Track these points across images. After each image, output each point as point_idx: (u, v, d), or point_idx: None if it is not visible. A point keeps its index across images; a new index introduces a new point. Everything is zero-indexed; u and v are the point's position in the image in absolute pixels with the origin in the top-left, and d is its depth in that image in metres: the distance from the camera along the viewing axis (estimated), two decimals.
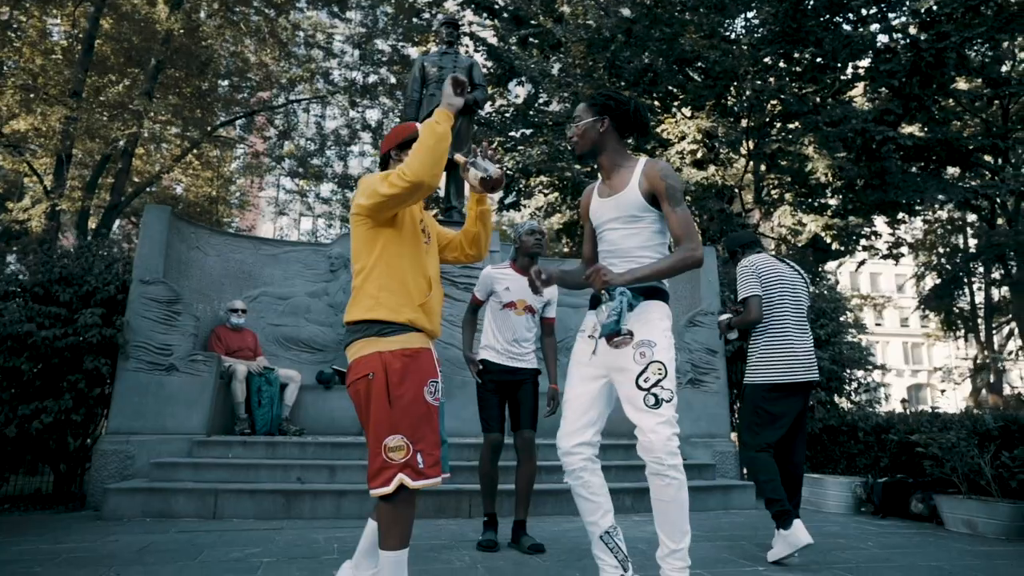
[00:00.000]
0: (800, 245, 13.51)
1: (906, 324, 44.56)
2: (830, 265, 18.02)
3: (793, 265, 4.05)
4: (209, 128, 16.32)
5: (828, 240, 12.02)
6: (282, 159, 17.26)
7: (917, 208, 14.19)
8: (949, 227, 23.83)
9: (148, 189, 17.09)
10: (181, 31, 13.97)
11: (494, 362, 3.79)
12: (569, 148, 13.65)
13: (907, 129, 12.72)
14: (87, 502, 5.19)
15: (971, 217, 22.91)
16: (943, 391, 33.89)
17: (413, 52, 17.22)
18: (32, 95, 13.21)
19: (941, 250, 24.50)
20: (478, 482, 3.89)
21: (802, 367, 3.81)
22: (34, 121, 13.28)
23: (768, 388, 3.84)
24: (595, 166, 13.27)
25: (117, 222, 17.29)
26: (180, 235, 6.46)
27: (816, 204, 12.96)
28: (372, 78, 17.54)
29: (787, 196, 12.40)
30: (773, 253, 4.24)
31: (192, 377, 5.73)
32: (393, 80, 17.44)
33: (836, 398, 7.97)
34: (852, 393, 8.28)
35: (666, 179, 2.49)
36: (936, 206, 16.27)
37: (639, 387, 2.34)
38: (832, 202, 13.41)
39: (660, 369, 2.34)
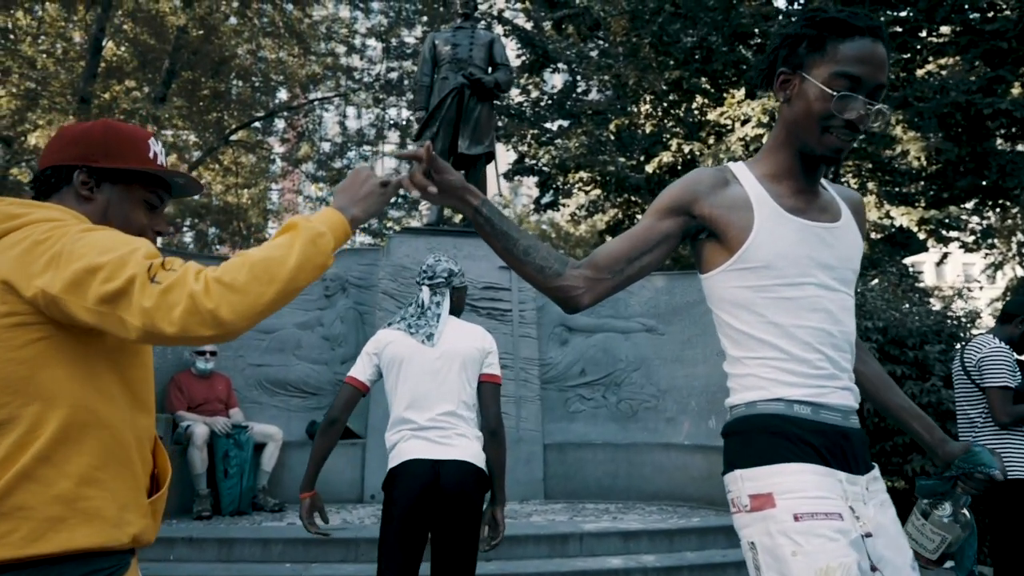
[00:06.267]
0: (878, 239, 11.69)
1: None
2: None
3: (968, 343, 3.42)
4: (227, 132, 15.31)
5: (923, 236, 10.19)
6: (299, 162, 16.10)
7: (1016, 193, 12.27)
8: None
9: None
10: (194, 28, 12.97)
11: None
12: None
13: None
14: None
15: None
16: None
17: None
18: (35, 103, 12.40)
19: (1021, 237, 22.43)
20: None
21: None
22: (49, 133, 12.45)
23: None
24: (648, 160, 11.67)
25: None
26: None
27: (902, 193, 11.09)
28: (395, 73, 16.23)
29: (870, 185, 10.57)
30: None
31: None
32: None
33: None
34: None
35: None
36: None
37: None
38: (914, 190, 11.52)
39: None
